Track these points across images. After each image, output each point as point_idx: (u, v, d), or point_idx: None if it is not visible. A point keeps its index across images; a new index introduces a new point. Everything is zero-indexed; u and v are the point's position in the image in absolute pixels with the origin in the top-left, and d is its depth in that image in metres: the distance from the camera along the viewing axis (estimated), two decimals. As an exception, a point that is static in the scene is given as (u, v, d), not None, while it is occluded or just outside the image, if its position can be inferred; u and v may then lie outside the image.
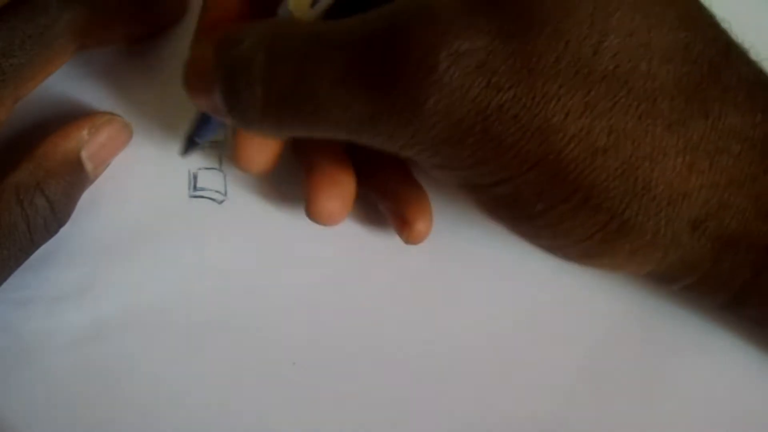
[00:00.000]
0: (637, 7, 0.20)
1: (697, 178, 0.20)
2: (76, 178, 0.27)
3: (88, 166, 0.27)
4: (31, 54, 0.25)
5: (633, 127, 0.20)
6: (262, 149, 0.26)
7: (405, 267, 0.28)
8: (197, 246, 0.28)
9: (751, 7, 0.29)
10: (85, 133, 0.27)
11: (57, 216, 0.26)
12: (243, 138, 0.25)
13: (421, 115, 0.20)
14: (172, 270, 0.28)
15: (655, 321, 0.27)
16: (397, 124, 0.20)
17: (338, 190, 0.26)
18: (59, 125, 0.27)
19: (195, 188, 0.29)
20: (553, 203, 0.20)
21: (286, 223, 0.28)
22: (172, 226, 0.28)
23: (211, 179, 0.29)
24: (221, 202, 0.29)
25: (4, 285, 0.26)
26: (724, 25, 0.22)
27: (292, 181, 0.28)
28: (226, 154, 0.29)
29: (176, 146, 0.28)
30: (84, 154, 0.27)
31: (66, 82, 0.29)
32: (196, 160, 0.29)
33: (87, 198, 0.28)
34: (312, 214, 0.26)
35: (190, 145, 0.27)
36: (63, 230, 0.27)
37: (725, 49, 0.21)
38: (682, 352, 0.27)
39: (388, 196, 0.26)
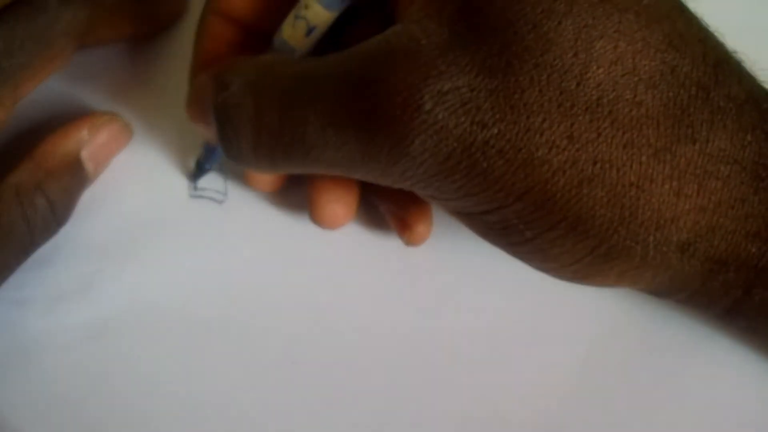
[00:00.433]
0: (620, 34, 0.20)
1: (685, 203, 0.20)
2: (76, 178, 0.27)
3: (88, 166, 0.27)
4: (31, 54, 0.25)
5: (618, 157, 0.20)
6: None
7: (405, 268, 0.28)
8: (197, 246, 0.28)
9: (751, 8, 0.30)
10: (85, 133, 0.27)
11: (57, 216, 0.26)
12: None
13: (408, 154, 0.20)
14: (172, 270, 0.28)
15: (654, 321, 0.27)
16: (386, 163, 0.21)
17: (342, 194, 0.26)
18: (59, 125, 0.27)
19: (195, 188, 0.29)
20: (541, 231, 0.21)
21: (285, 224, 0.28)
22: (172, 226, 0.28)
23: (211, 179, 0.29)
24: (221, 202, 0.29)
25: (4, 285, 0.26)
26: (717, 36, 0.22)
27: (292, 182, 0.28)
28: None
29: (177, 146, 0.29)
30: (84, 154, 0.27)
31: (66, 82, 0.29)
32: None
33: (87, 198, 0.28)
34: (316, 219, 0.26)
35: (201, 171, 0.28)
36: (63, 230, 0.27)
37: (715, 67, 0.21)
38: (681, 352, 0.27)
39: (389, 198, 0.27)
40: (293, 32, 0.24)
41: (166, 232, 0.28)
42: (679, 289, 0.22)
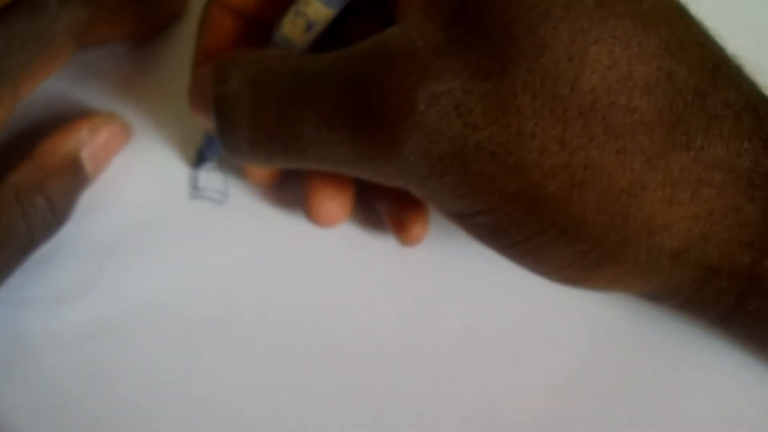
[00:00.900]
0: (616, 39, 0.19)
1: (678, 210, 0.20)
2: (75, 178, 0.27)
3: (88, 166, 0.27)
4: (31, 54, 0.25)
5: (610, 162, 0.19)
6: None
7: (404, 268, 0.28)
8: (197, 246, 0.28)
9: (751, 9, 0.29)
10: (84, 133, 0.27)
11: (57, 216, 0.26)
12: None
13: (401, 155, 0.20)
14: (173, 270, 0.28)
15: (653, 322, 0.27)
16: (380, 162, 0.21)
17: (338, 192, 0.26)
18: (59, 125, 0.27)
19: (195, 188, 0.29)
20: (532, 235, 0.21)
21: (286, 224, 0.28)
22: (173, 226, 0.28)
23: (211, 179, 0.29)
24: (221, 202, 0.29)
25: (4, 285, 0.26)
26: (717, 41, 0.21)
27: (292, 182, 0.28)
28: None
29: (177, 146, 0.29)
30: (84, 154, 0.27)
31: (66, 82, 0.29)
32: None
33: (87, 198, 0.28)
34: (312, 216, 0.26)
35: (201, 159, 0.28)
36: (63, 230, 0.27)
37: (713, 73, 0.20)
38: (679, 353, 0.27)
39: (386, 198, 0.27)
40: (293, 28, 0.24)
41: (166, 232, 0.28)
42: (673, 294, 0.22)
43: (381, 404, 0.27)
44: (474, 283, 0.28)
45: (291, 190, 0.28)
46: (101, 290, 0.28)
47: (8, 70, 0.25)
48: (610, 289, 0.22)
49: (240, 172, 0.28)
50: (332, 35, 0.25)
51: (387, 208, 0.27)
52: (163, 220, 0.28)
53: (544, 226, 0.20)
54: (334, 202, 0.26)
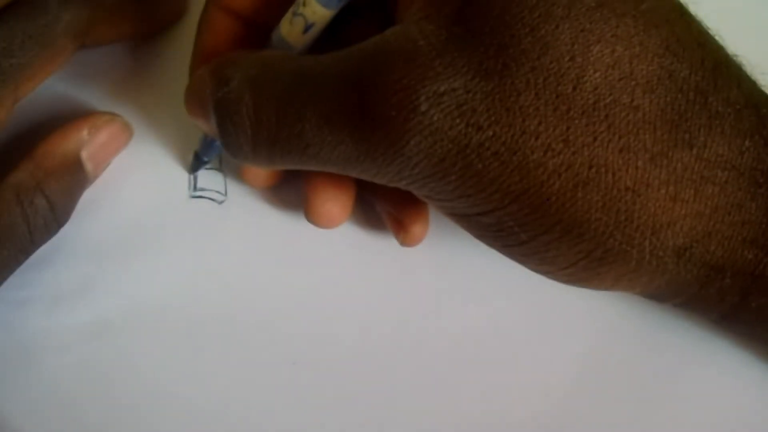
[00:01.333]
0: (618, 38, 0.20)
1: (681, 208, 0.20)
2: (76, 178, 0.27)
3: (88, 166, 0.27)
4: (31, 54, 0.25)
5: (614, 161, 0.20)
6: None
7: (404, 268, 0.28)
8: (197, 246, 0.28)
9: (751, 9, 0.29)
10: (85, 133, 0.27)
11: (57, 216, 0.26)
12: None
13: (403, 155, 0.20)
14: (172, 270, 0.28)
15: (654, 321, 0.27)
16: (382, 163, 0.21)
17: (338, 193, 0.26)
18: (59, 125, 0.27)
19: (195, 188, 0.29)
20: (536, 234, 0.21)
21: (286, 224, 0.28)
22: (173, 226, 0.28)
23: (211, 180, 0.29)
24: (221, 202, 0.29)
25: (4, 285, 0.26)
26: (717, 40, 0.21)
27: (292, 182, 0.28)
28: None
29: (177, 146, 0.29)
30: (84, 155, 0.27)
31: (66, 82, 0.29)
32: (197, 161, 0.29)
33: (87, 198, 0.28)
34: (312, 217, 0.26)
35: (199, 163, 0.28)
36: (63, 230, 0.27)
37: (713, 72, 0.21)
38: (680, 352, 0.27)
39: (385, 198, 0.27)
40: (291, 29, 0.24)
41: (166, 232, 0.28)
42: (676, 293, 0.22)
43: (381, 404, 0.27)
44: (474, 283, 0.28)
45: (290, 190, 0.28)
46: (101, 290, 0.28)
47: (8, 70, 0.25)
48: (614, 289, 0.22)
49: (238, 175, 0.28)
50: (332, 36, 0.25)
51: (386, 208, 0.27)
52: (163, 220, 0.28)
53: (548, 225, 0.20)
54: (334, 203, 0.26)
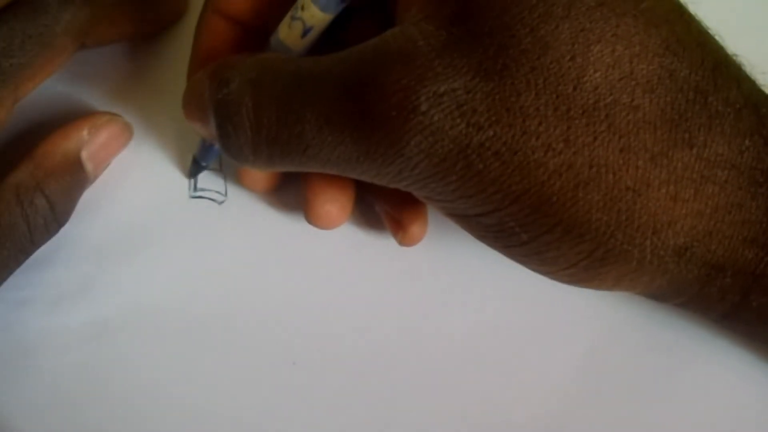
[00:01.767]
0: (618, 38, 0.20)
1: (682, 207, 0.20)
2: (76, 178, 0.27)
3: (88, 166, 0.27)
4: (31, 54, 0.25)
5: (614, 160, 0.20)
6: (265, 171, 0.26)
7: (404, 268, 0.28)
8: (197, 246, 0.28)
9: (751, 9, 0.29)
10: (85, 133, 0.27)
11: (57, 216, 0.26)
12: None
13: (403, 155, 0.20)
14: (172, 270, 0.28)
15: (654, 321, 0.27)
16: (382, 163, 0.21)
17: (337, 194, 0.26)
18: (59, 125, 0.27)
19: (195, 189, 0.29)
20: (537, 234, 0.21)
21: (285, 224, 0.28)
22: (172, 226, 0.28)
23: (211, 180, 0.29)
24: (221, 202, 0.29)
25: (4, 285, 0.26)
26: (717, 39, 0.21)
27: (292, 182, 0.28)
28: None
29: (177, 147, 0.29)
30: (84, 155, 0.27)
31: (66, 82, 0.28)
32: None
33: (87, 198, 0.28)
34: (311, 218, 0.26)
35: (197, 168, 0.28)
36: (63, 230, 0.27)
37: (713, 71, 0.21)
38: (680, 352, 0.27)
39: (384, 198, 0.27)
40: (289, 33, 0.24)
41: (166, 233, 0.28)
42: (677, 293, 0.22)
43: (381, 404, 0.27)
44: (474, 283, 0.28)
45: (290, 191, 0.28)
46: (101, 290, 0.28)
47: (8, 70, 0.25)
48: (615, 289, 0.22)
49: (236, 178, 0.28)
50: (332, 37, 0.25)
51: (385, 208, 0.27)
52: (163, 221, 0.28)
53: (549, 225, 0.20)
54: (333, 204, 0.26)
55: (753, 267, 0.21)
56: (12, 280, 0.26)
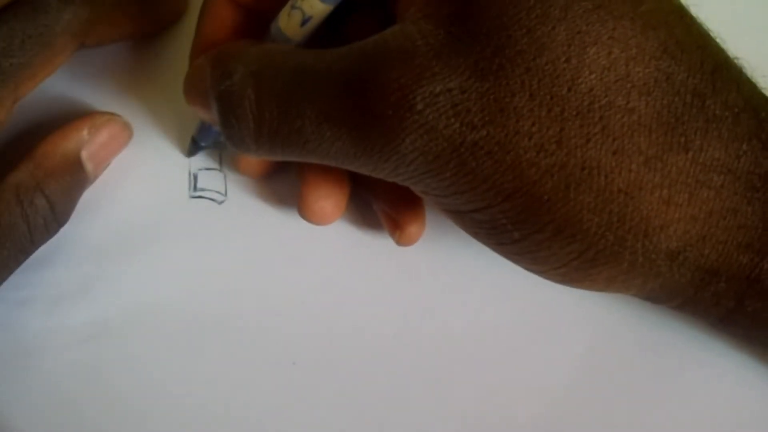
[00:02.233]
0: (615, 40, 0.20)
1: (675, 211, 0.20)
2: (76, 178, 0.27)
3: (88, 166, 0.27)
4: (31, 54, 0.25)
5: (607, 163, 0.20)
6: None
7: (403, 268, 0.28)
8: (197, 246, 0.28)
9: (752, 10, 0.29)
10: (85, 133, 0.27)
11: (57, 216, 0.26)
12: None
13: (399, 152, 0.21)
14: (172, 270, 0.28)
15: (653, 322, 0.27)
16: (378, 159, 0.21)
17: (332, 191, 0.26)
18: (59, 125, 0.27)
19: (195, 188, 0.29)
20: (529, 232, 0.21)
21: (286, 224, 0.28)
22: (173, 226, 0.28)
23: (211, 180, 0.29)
24: (221, 202, 0.29)
25: (4, 285, 0.26)
26: (718, 42, 0.21)
27: (292, 182, 0.28)
28: (226, 154, 0.29)
29: (177, 146, 0.29)
30: (84, 154, 0.27)
31: (66, 82, 0.28)
32: (197, 161, 0.29)
33: (87, 198, 0.28)
34: (305, 213, 0.26)
35: (196, 147, 0.28)
36: (63, 230, 0.27)
37: (712, 74, 0.20)
38: (679, 353, 0.27)
39: (382, 198, 0.27)
40: (288, 21, 0.24)
41: (166, 232, 0.28)
42: (671, 296, 0.22)
43: (380, 404, 0.27)
44: (472, 283, 0.28)
45: (290, 191, 0.28)
46: (101, 290, 0.28)
47: (8, 70, 0.25)
48: (608, 290, 0.22)
49: (241, 178, 0.28)
50: (333, 34, 0.25)
51: (382, 208, 0.27)
52: (163, 221, 0.28)
53: (540, 224, 0.20)
54: (328, 201, 0.26)
55: (748, 272, 0.21)
56: (12, 280, 0.26)
